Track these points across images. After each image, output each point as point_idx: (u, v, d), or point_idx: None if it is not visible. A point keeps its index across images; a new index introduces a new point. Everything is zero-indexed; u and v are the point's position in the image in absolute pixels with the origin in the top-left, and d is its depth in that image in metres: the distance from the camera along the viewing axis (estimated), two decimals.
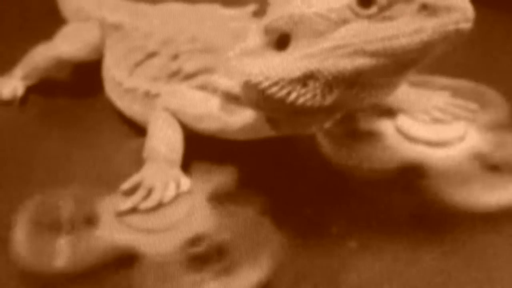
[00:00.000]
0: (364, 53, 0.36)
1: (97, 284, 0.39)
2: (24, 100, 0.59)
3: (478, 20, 0.36)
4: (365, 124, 0.52)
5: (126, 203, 0.43)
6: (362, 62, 0.37)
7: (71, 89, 0.61)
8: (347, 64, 0.37)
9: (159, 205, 0.43)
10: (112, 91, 0.55)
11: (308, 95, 0.38)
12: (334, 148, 0.50)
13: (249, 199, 0.45)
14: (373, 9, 0.36)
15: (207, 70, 0.46)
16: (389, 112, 0.52)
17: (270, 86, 0.38)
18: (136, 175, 0.45)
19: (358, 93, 0.38)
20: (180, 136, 0.46)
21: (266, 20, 0.39)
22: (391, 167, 0.48)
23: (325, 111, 0.40)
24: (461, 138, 0.50)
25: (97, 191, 0.45)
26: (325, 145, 0.50)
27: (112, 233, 0.42)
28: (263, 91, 0.38)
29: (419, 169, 0.48)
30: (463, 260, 0.42)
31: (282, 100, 0.38)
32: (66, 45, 0.58)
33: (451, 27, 0.35)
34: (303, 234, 0.44)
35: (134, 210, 0.43)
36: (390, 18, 0.36)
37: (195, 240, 0.41)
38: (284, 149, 0.50)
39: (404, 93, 0.52)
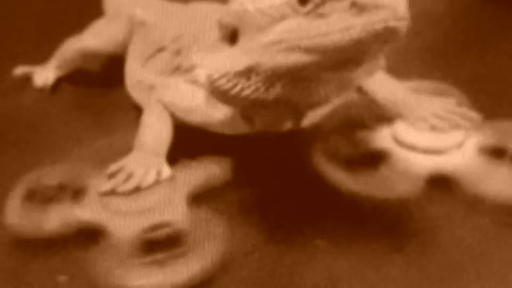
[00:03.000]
0: (298, 49, 0.37)
1: (57, 254, 0.43)
2: (55, 88, 0.64)
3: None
4: (361, 130, 0.52)
5: (106, 185, 0.46)
6: (296, 58, 0.37)
7: (101, 80, 0.64)
8: (283, 59, 0.38)
9: (137, 190, 0.46)
10: (128, 83, 0.58)
11: (251, 88, 0.39)
12: (325, 153, 0.50)
13: (227, 198, 0.47)
14: (309, 6, 0.37)
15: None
16: (387, 118, 0.51)
17: (219, 78, 0.40)
18: (121, 161, 0.48)
19: (304, 88, 0.39)
20: (169, 128, 0.48)
21: (218, 16, 0.41)
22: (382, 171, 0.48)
23: (283, 106, 0.41)
24: (459, 146, 0.49)
25: (92, 170, 0.48)
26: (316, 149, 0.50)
27: (90, 209, 0.45)
28: (213, 83, 0.40)
29: (414, 175, 0.47)
30: (437, 269, 0.41)
31: (228, 92, 0.40)
32: (92, 38, 0.61)
33: (379, 25, 0.35)
34: (273, 231, 0.45)
35: (113, 192, 0.46)
36: (324, 16, 0.37)
37: (157, 226, 0.43)
38: (272, 148, 0.51)
39: (403, 98, 0.51)
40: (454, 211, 0.45)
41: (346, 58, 0.37)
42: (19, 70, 0.64)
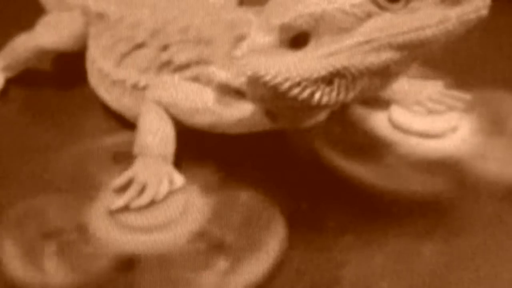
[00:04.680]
0: (390, 46, 0.36)
1: None
2: (5, 92, 0.57)
3: None
4: (358, 117, 0.51)
5: (118, 201, 0.42)
6: (389, 55, 0.36)
7: (53, 80, 0.59)
8: (375, 59, 0.36)
9: (152, 203, 0.42)
10: (98, 83, 0.53)
11: (333, 93, 0.37)
12: (327, 143, 0.49)
13: (242, 191, 0.44)
14: (401, 3, 0.36)
15: (200, 62, 0.45)
16: (382, 103, 0.51)
17: (292, 87, 0.37)
18: (127, 172, 0.44)
19: (377, 83, 0.38)
20: (172, 131, 0.45)
21: (282, 19, 0.38)
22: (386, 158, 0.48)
23: (332, 106, 0.40)
24: (455, 129, 0.50)
25: (80, 195, 0.44)
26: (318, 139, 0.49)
27: (108, 237, 0.40)
28: (283, 92, 0.37)
29: (418, 161, 0.48)
30: (465, 251, 0.41)
31: (304, 100, 0.37)
32: (49, 35, 0.55)
33: (473, 15, 0.35)
34: (299, 228, 0.43)
35: (126, 208, 0.42)
36: (414, 10, 0.36)
37: (195, 237, 0.40)
38: (275, 144, 0.49)
39: (398, 84, 0.51)
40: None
41: (429, 50, 0.37)
42: None
